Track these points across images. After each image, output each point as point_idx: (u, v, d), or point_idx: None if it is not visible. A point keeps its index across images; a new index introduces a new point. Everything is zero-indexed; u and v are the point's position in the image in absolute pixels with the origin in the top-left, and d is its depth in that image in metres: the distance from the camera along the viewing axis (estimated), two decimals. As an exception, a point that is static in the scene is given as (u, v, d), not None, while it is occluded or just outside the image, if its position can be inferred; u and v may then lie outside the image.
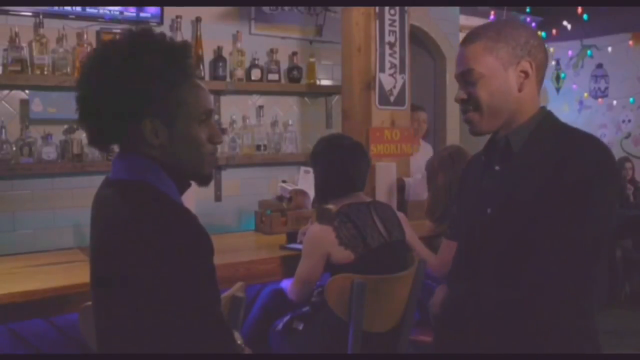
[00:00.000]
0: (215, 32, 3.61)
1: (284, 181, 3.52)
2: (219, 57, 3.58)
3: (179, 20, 3.41)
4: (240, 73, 3.62)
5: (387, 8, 3.45)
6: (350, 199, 2.43)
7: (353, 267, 2.28)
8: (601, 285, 1.51)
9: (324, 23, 4.01)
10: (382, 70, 3.44)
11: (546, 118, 1.55)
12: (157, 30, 1.42)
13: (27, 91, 3.06)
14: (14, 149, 2.95)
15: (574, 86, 7.34)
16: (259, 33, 3.81)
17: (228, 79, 3.61)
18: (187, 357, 1.24)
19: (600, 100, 7.20)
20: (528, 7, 6.57)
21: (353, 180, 2.47)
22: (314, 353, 2.34)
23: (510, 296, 1.45)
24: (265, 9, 3.73)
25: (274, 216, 3.13)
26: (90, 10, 3.18)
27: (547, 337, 1.43)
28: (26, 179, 3.06)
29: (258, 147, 3.66)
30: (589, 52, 7.11)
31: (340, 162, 2.45)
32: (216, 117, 3.54)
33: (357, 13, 3.44)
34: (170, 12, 3.41)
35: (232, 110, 3.69)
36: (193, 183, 1.44)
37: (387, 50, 3.46)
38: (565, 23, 6.71)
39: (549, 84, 7.19)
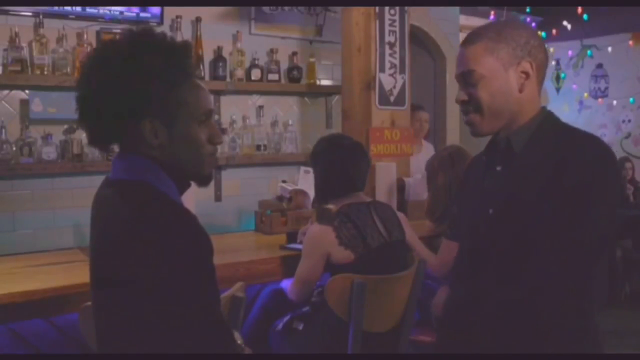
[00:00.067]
0: (215, 32, 3.61)
1: (284, 181, 3.52)
2: (219, 57, 3.58)
3: (179, 20, 3.41)
4: (240, 73, 3.62)
5: (387, 8, 3.45)
6: (350, 199, 2.43)
7: (353, 267, 2.28)
8: (601, 285, 1.51)
9: (324, 23, 4.01)
10: (382, 70, 3.44)
11: (547, 118, 1.55)
12: (157, 30, 1.42)
13: (27, 91, 3.06)
14: (14, 149, 2.95)
15: (574, 86, 7.34)
16: (259, 33, 3.81)
17: (228, 79, 3.61)
18: (187, 357, 1.23)
19: (600, 100, 7.20)
20: (528, 7, 6.58)
21: (353, 180, 2.46)
22: (314, 353, 2.34)
23: (512, 296, 1.45)
24: (265, 9, 3.73)
25: (274, 216, 3.13)
26: (90, 10, 3.18)
27: (548, 337, 1.43)
28: (26, 179, 3.06)
29: (258, 147, 3.66)
30: (589, 52, 7.11)
31: (340, 162, 2.45)
32: (216, 117, 3.54)
33: (357, 13, 3.44)
34: (170, 12, 3.41)
35: (232, 110, 3.69)
36: (193, 183, 1.44)
37: (387, 50, 3.46)
38: (565, 23, 6.71)
39: (549, 84, 7.19)
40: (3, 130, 2.93)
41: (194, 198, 2.35)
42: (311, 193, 3.01)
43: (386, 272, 2.31)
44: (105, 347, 1.36)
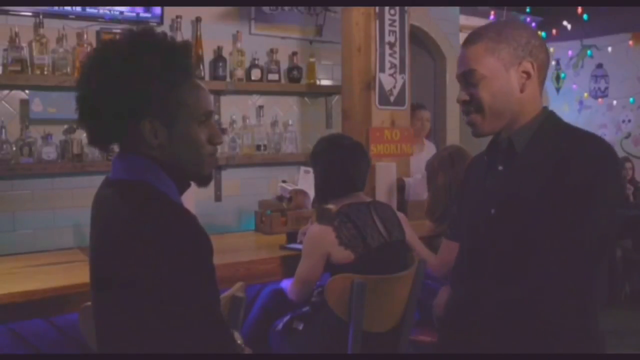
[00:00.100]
0: (215, 32, 3.61)
1: (284, 181, 3.52)
2: (219, 57, 3.58)
3: (179, 20, 3.41)
4: (240, 73, 3.62)
5: (387, 8, 3.45)
6: (350, 199, 2.43)
7: (353, 267, 2.28)
8: (602, 285, 1.51)
9: (324, 23, 4.01)
10: (382, 70, 3.44)
11: (549, 118, 1.55)
12: (158, 30, 1.42)
13: (27, 91, 3.06)
14: (14, 149, 2.95)
15: (574, 86, 7.34)
16: (259, 33, 3.81)
17: (228, 79, 3.61)
18: (187, 357, 1.23)
19: (600, 100, 7.20)
20: (528, 7, 6.58)
21: (353, 180, 2.46)
22: (314, 353, 2.34)
23: (512, 296, 1.45)
24: (265, 9, 3.73)
25: (274, 216, 3.13)
26: (90, 10, 3.18)
27: (549, 337, 1.43)
28: (26, 179, 3.06)
29: (258, 147, 3.66)
30: (589, 52, 7.11)
31: (340, 162, 2.45)
32: (216, 117, 3.54)
33: (357, 13, 3.44)
34: (170, 12, 3.41)
35: (232, 110, 3.69)
36: (193, 183, 1.44)
37: (387, 50, 3.46)
38: (565, 23, 6.71)
39: (549, 84, 7.18)
40: (3, 130, 2.93)
41: (194, 198, 2.35)
42: (311, 193, 3.01)
43: (386, 272, 2.31)
44: (105, 347, 1.36)
